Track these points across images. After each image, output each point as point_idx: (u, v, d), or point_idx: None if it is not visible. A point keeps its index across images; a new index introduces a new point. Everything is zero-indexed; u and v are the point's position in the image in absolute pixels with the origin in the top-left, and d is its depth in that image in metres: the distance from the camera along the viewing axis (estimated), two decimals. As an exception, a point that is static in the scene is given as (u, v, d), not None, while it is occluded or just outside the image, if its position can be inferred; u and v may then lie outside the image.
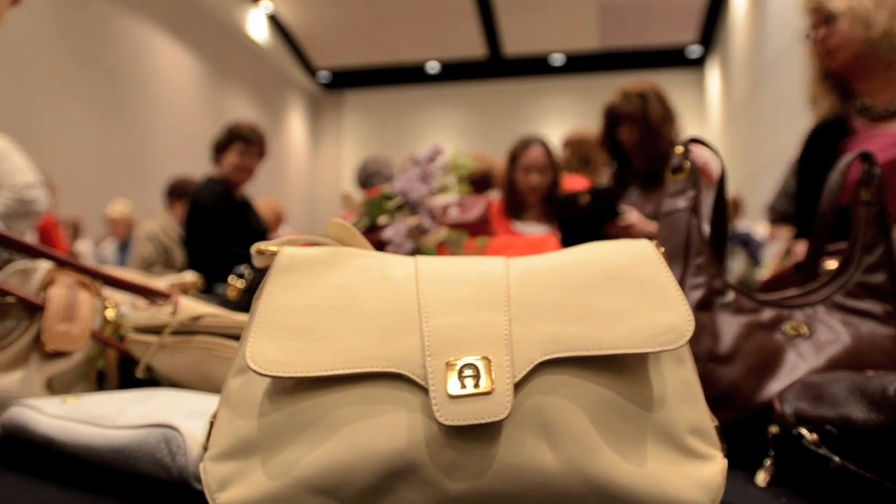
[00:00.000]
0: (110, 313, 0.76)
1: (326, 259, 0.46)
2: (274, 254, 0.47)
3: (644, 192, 2.07)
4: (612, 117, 2.09)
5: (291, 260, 0.46)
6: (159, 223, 3.63)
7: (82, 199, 4.94)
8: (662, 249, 0.47)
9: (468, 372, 0.39)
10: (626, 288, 0.44)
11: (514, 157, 2.20)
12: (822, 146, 1.46)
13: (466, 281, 0.44)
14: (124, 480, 0.52)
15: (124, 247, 4.36)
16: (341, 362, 0.40)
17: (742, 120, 6.71)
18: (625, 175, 2.13)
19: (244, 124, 2.81)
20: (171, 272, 3.29)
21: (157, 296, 0.87)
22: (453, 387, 0.38)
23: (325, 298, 0.44)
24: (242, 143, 2.71)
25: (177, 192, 3.80)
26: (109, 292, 0.86)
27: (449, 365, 0.39)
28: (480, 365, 0.39)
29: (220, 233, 2.60)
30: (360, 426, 0.39)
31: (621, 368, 0.41)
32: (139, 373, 0.71)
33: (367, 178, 2.96)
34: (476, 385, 0.39)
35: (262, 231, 2.87)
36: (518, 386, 0.39)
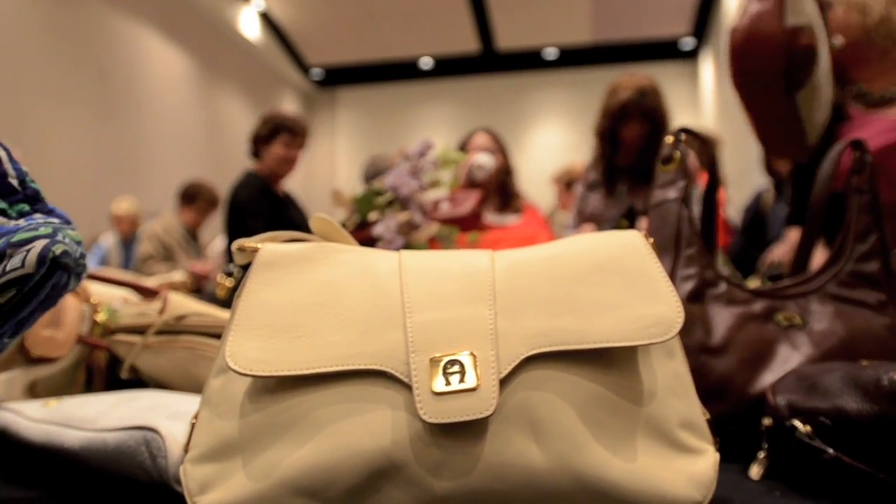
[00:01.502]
0: (101, 317, 0.75)
1: (308, 255, 0.46)
2: (255, 250, 0.46)
3: (632, 188, 2.06)
4: (623, 113, 2.01)
5: (273, 256, 0.45)
6: (162, 224, 3.64)
7: (75, 199, 4.91)
8: (651, 240, 0.46)
9: (453, 368, 0.38)
10: (614, 280, 0.43)
11: (462, 148, 2.18)
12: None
13: (451, 275, 0.44)
14: (105, 483, 0.52)
15: (128, 243, 4.34)
16: (323, 360, 0.39)
17: (735, 112, 6.70)
18: (613, 171, 2.11)
19: (288, 115, 2.73)
20: (167, 264, 3.28)
21: (147, 292, 0.86)
22: (438, 383, 0.38)
23: (306, 295, 0.43)
24: (288, 134, 2.63)
25: (187, 196, 3.76)
26: (102, 287, 0.85)
27: (433, 361, 0.38)
28: (466, 361, 0.38)
29: (262, 225, 2.47)
30: (344, 425, 0.38)
31: (610, 362, 0.41)
32: (123, 373, 0.70)
33: (376, 174, 2.94)
34: (461, 381, 0.38)
35: (305, 228, 2.74)
36: (504, 382, 0.38)
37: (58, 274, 0.43)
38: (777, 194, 2.58)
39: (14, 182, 0.46)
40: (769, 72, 0.98)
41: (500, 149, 2.16)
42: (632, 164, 2.05)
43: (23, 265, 0.41)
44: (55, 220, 0.46)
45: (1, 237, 0.42)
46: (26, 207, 0.46)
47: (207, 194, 3.77)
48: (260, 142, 2.64)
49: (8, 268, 0.41)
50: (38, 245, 0.42)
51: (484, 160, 1.86)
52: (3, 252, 0.41)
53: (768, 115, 1.08)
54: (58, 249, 0.42)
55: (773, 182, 2.66)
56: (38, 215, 0.46)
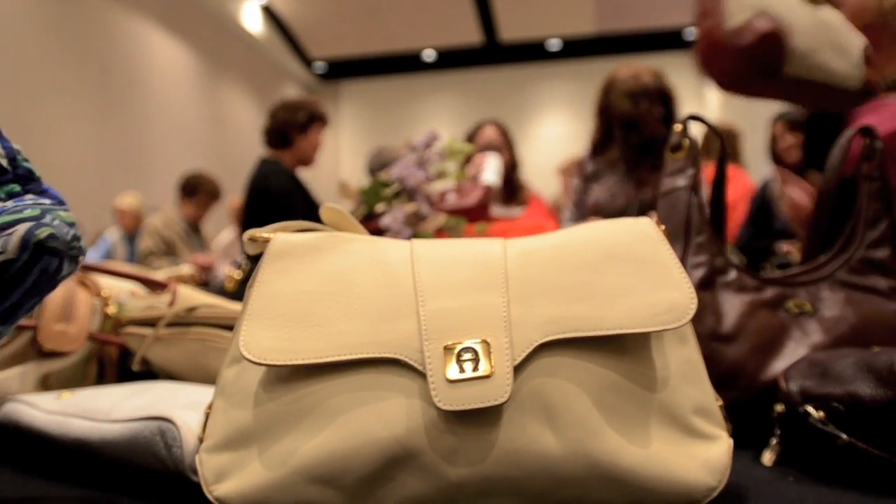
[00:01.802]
0: (112, 309, 0.75)
1: (320, 244, 0.46)
2: (267, 240, 0.46)
3: (640, 178, 2.04)
4: (646, 95, 1.99)
5: (284, 246, 0.45)
6: (162, 218, 3.60)
7: (79, 194, 4.92)
8: (663, 227, 0.46)
9: (467, 356, 0.38)
10: (626, 266, 0.43)
11: (470, 140, 2.16)
12: (828, 115, 1.44)
13: (463, 263, 0.44)
14: (120, 474, 0.52)
15: (131, 238, 4.34)
16: (337, 348, 0.39)
17: (739, 103, 6.67)
18: (632, 157, 2.07)
19: (315, 102, 2.68)
20: (170, 259, 3.27)
21: (155, 285, 0.86)
22: (452, 371, 0.38)
23: (319, 284, 0.43)
24: (320, 122, 2.60)
25: (188, 188, 3.68)
26: (110, 281, 0.86)
27: (447, 349, 0.39)
28: (479, 348, 0.39)
29: (305, 215, 2.41)
30: (358, 413, 0.38)
31: (623, 349, 0.41)
32: (135, 365, 0.70)
33: (382, 166, 2.93)
34: (475, 369, 0.38)
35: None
36: (518, 369, 0.38)
37: (45, 259, 0.41)
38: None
39: (3, 161, 0.43)
40: (737, 75, 0.98)
41: (507, 143, 2.16)
42: (644, 151, 2.03)
43: (3, 251, 0.39)
44: (46, 202, 0.43)
45: None
46: (17, 188, 0.44)
47: (208, 186, 3.69)
48: (295, 129, 2.55)
49: None
50: (21, 229, 0.39)
51: (492, 178, 1.81)
52: None
53: (773, 96, 1.07)
54: (42, 233, 0.40)
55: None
56: (28, 197, 0.43)
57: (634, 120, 2.01)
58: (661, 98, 2.00)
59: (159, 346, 0.69)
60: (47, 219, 0.41)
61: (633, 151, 2.05)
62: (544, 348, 0.39)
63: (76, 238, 0.43)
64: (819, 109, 1.20)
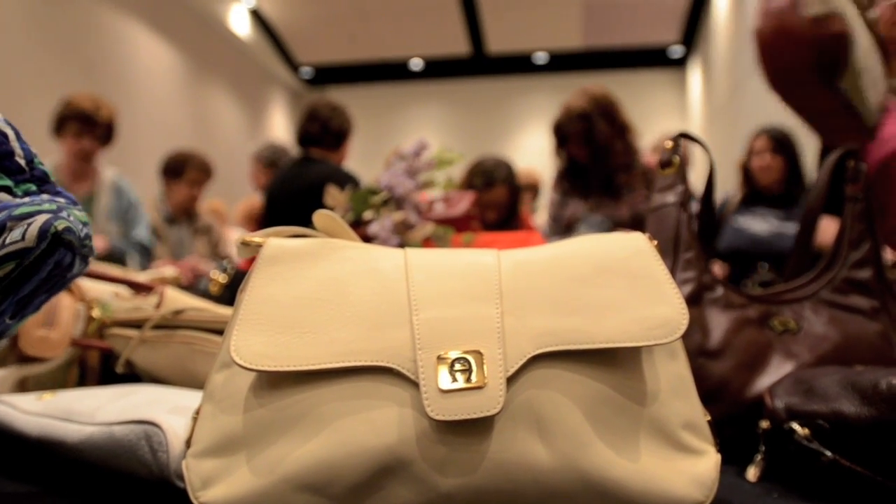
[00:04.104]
0: (96, 313, 0.74)
1: (313, 251, 0.45)
2: (259, 245, 0.46)
3: (607, 198, 2.12)
4: (560, 135, 2.14)
5: (278, 251, 0.45)
6: None
7: (60, 194, 4.84)
8: (655, 242, 0.47)
9: (460, 366, 0.38)
10: (619, 281, 0.43)
11: (473, 186, 2.14)
12: None
13: (457, 273, 0.44)
14: (103, 478, 0.51)
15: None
16: (329, 356, 0.39)
17: (723, 121, 6.75)
18: (582, 182, 2.18)
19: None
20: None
21: (140, 287, 0.85)
22: (444, 381, 0.38)
23: (312, 291, 0.43)
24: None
25: (175, 168, 3.14)
26: (92, 283, 0.84)
27: (440, 359, 0.39)
28: (472, 359, 0.39)
29: None
30: (349, 421, 0.38)
31: (614, 362, 0.41)
32: (119, 368, 0.69)
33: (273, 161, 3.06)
34: (468, 379, 0.38)
35: None
36: (511, 380, 0.39)
37: (60, 251, 0.42)
38: (742, 202, 2.58)
39: (21, 161, 0.45)
40: (799, 66, 0.94)
41: (513, 200, 2.21)
42: (600, 181, 2.13)
43: (23, 238, 0.40)
44: (62, 200, 0.45)
45: (2, 211, 0.41)
46: (33, 188, 0.45)
47: (195, 161, 3.16)
48: (346, 134, 2.59)
49: (7, 241, 0.40)
50: (40, 219, 0.41)
51: None
52: (3, 225, 0.40)
53: (813, 108, 1.03)
54: (60, 225, 0.41)
55: (744, 190, 2.63)
56: (44, 196, 0.45)
57: (556, 151, 2.20)
58: (581, 139, 2.09)
59: (145, 349, 0.68)
60: (64, 213, 0.43)
61: (571, 174, 2.18)
62: (537, 360, 0.39)
63: (88, 237, 0.44)
64: (830, 142, 1.15)
